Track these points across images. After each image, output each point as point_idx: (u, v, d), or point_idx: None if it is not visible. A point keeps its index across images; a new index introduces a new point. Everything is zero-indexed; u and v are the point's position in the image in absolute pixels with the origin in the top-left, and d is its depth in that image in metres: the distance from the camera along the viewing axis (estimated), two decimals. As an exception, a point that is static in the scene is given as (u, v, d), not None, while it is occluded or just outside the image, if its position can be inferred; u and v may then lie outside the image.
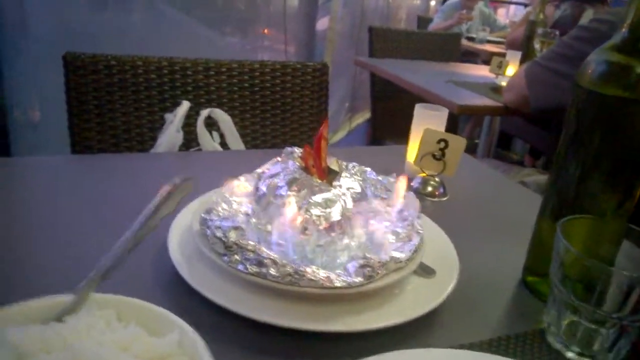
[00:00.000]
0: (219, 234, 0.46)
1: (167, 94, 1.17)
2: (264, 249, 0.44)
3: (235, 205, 0.53)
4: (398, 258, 0.48)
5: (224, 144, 1.08)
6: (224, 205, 0.52)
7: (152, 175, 0.76)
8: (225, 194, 0.55)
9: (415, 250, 0.50)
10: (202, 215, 0.50)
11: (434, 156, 0.77)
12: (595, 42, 1.16)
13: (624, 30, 0.47)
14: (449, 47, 2.68)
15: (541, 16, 2.01)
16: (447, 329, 0.49)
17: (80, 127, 1.11)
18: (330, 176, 0.53)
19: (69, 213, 0.63)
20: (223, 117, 1.07)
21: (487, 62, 3.40)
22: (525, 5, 7.31)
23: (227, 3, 2.73)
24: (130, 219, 0.37)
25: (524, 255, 0.59)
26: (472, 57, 3.42)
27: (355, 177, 0.55)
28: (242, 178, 0.61)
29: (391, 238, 0.50)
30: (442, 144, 0.77)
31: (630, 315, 0.43)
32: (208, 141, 0.99)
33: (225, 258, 0.45)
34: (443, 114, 0.82)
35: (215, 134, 1.03)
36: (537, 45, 1.81)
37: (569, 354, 0.46)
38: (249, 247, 0.45)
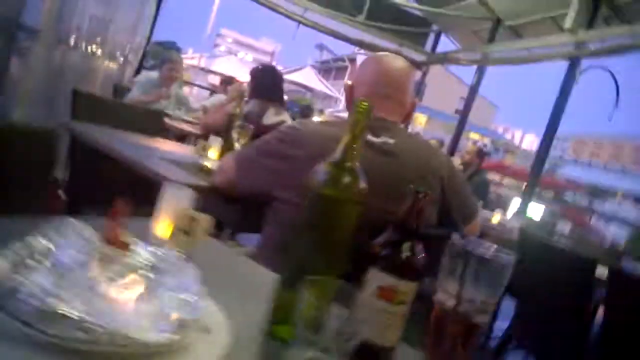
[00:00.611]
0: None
1: None
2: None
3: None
4: (187, 319, 0.57)
5: None
6: None
7: None
8: None
9: (199, 312, 0.60)
10: None
11: (183, 232, 0.88)
12: (287, 143, 1.49)
13: (336, 154, 0.72)
14: (151, 123, 2.81)
15: (238, 110, 2.39)
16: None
17: None
18: (126, 247, 0.58)
19: None
20: None
21: (180, 139, 3.67)
22: (211, 92, 8.13)
23: None
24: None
25: (266, 310, 0.75)
26: (167, 133, 3.62)
27: (143, 248, 0.61)
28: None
29: (179, 302, 0.59)
30: (190, 221, 0.89)
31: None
32: None
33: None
34: (190, 193, 0.94)
35: None
36: (235, 135, 2.14)
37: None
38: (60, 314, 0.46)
